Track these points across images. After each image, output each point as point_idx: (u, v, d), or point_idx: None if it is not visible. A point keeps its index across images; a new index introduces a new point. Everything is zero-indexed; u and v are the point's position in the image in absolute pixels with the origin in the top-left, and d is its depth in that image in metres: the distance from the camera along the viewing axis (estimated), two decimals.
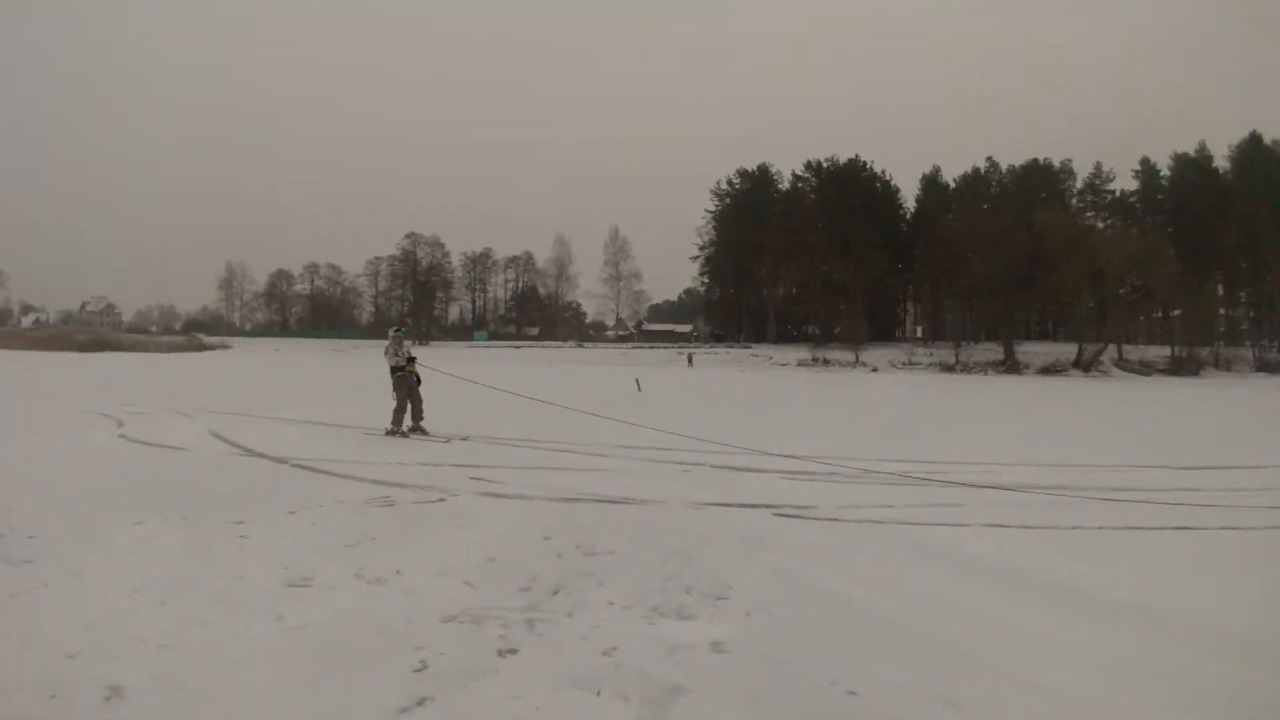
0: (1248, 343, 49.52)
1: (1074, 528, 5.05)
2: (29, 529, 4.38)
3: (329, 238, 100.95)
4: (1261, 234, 49.07)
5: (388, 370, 9.37)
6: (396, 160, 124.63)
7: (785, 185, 62.82)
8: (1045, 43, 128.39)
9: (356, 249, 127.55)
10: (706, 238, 65.39)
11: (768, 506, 5.49)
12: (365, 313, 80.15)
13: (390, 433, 9.03)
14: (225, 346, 59.93)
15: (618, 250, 70.52)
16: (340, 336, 70.57)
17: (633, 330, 71.99)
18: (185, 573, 3.66)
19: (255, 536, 4.36)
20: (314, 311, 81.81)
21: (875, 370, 45.78)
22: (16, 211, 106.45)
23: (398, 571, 3.76)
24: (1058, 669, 2.79)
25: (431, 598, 3.40)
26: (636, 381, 11.24)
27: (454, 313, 79.02)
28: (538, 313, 74.89)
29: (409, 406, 9.14)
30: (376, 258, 77.68)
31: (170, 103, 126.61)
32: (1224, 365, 45.79)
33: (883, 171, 60.60)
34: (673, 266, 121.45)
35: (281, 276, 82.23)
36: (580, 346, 62.92)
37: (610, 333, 73.99)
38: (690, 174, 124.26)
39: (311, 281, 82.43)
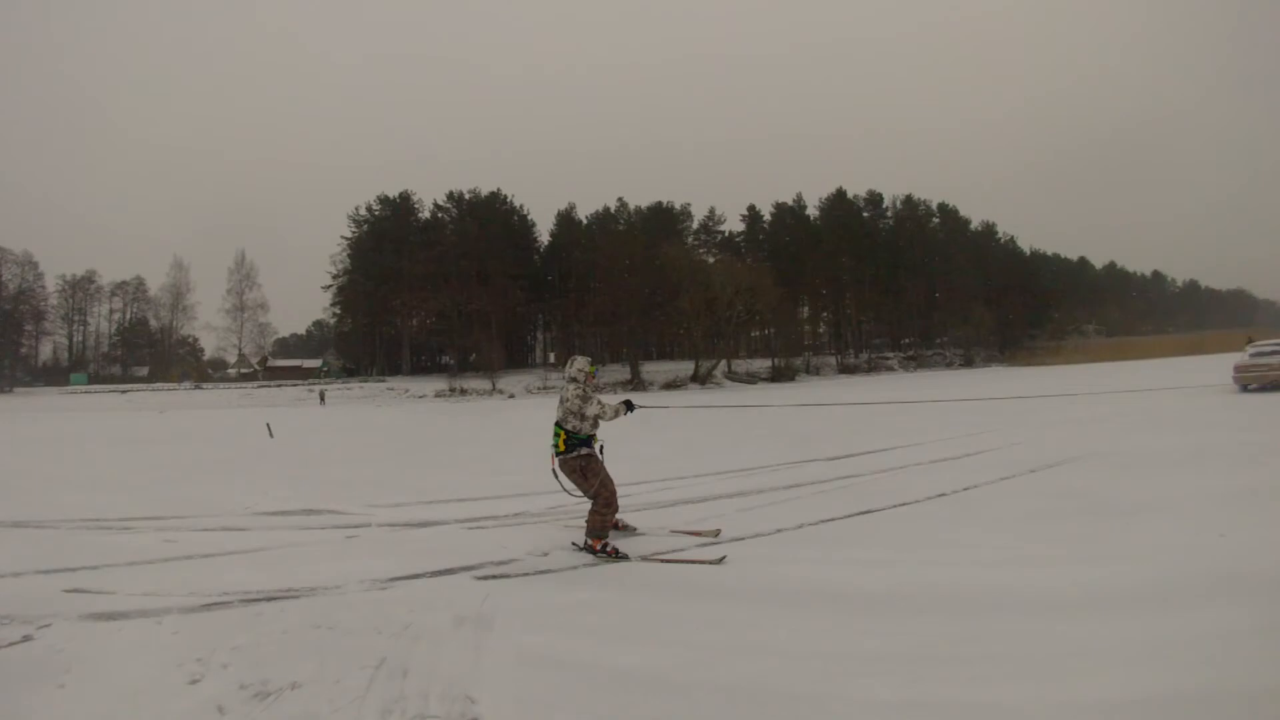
0: (831, 353, 63.76)
1: (777, 530, 5.44)
2: None
3: None
4: (841, 268, 63.99)
5: (554, 442, 5.27)
6: None
7: (426, 215, 61.48)
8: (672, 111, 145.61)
9: None
10: (341, 266, 60.86)
11: (465, 569, 4.62)
12: None
13: (599, 549, 4.94)
14: None
15: (244, 278, 62.33)
16: None
17: (257, 367, 64.31)
18: None
19: None
20: None
21: (513, 397, 45.94)
22: None
23: None
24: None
25: None
26: (268, 426, 9.12)
27: (46, 350, 63.45)
28: (148, 349, 64.08)
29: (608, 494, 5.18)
30: None
31: None
32: (814, 371, 57.35)
33: (521, 205, 62.81)
34: (302, 297, 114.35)
35: None
36: (198, 387, 55.01)
37: (232, 370, 64.69)
38: (329, 200, 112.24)
39: None
